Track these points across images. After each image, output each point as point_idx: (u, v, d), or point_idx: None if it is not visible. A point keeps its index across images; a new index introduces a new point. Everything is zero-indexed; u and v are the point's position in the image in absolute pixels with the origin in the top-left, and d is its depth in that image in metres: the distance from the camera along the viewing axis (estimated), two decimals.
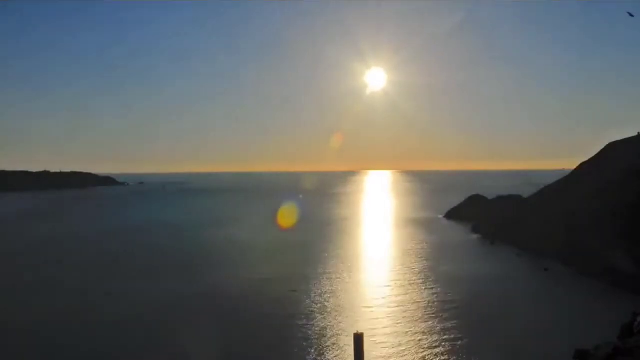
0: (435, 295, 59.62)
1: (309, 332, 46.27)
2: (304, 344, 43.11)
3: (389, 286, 65.01)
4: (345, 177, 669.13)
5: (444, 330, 46.50)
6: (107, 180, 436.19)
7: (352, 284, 65.76)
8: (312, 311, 53.16)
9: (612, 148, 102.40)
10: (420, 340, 44.13)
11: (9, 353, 41.78)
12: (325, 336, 44.83)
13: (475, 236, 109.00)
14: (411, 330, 46.69)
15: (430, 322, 49.09)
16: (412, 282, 67.49)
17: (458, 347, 42.27)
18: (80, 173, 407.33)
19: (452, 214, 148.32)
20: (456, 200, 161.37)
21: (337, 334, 45.21)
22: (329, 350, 41.31)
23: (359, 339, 7.41)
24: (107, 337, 45.32)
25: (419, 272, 73.63)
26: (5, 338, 44.99)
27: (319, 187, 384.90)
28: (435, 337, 44.71)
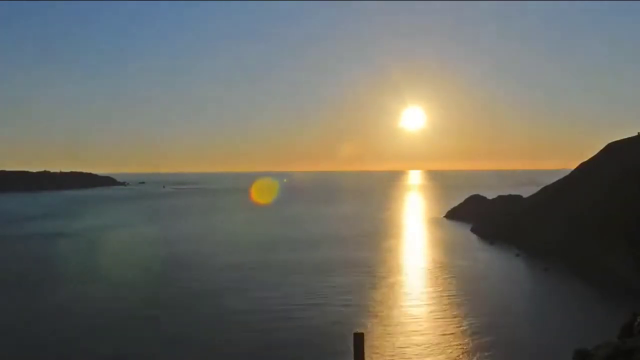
0: (433, 296, 59.62)
1: (307, 331, 46.23)
2: (303, 343, 43.07)
3: (387, 286, 64.93)
4: (388, 177, 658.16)
5: (443, 330, 46.50)
6: (107, 180, 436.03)
7: (350, 284, 65.65)
8: (310, 309, 53.16)
9: (612, 148, 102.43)
10: (419, 339, 44.12)
11: None
12: (324, 336, 44.75)
13: (474, 236, 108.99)
14: (410, 330, 46.68)
15: (429, 322, 49.10)
16: (410, 282, 67.49)
17: (457, 346, 42.27)
18: (81, 173, 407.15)
19: (452, 214, 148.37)
20: (457, 200, 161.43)
21: (337, 334, 45.07)
22: (329, 350, 41.22)
23: (359, 339, 7.36)
24: None
25: (417, 273, 73.65)
26: None
27: (324, 185, 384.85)
28: (434, 337, 44.71)
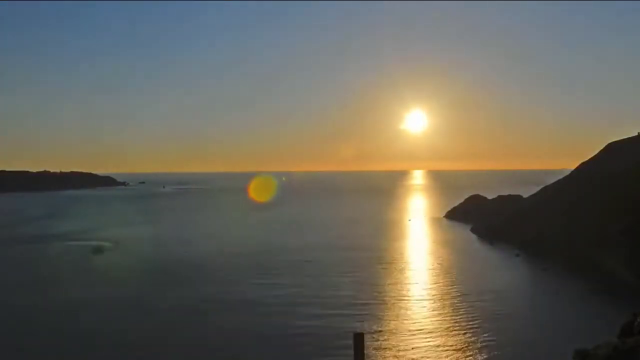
0: (433, 296, 59.66)
1: (307, 331, 46.23)
2: (302, 343, 43.07)
3: (386, 287, 64.90)
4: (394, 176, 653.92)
5: (443, 330, 46.53)
6: (107, 180, 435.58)
7: (349, 285, 65.66)
8: (309, 309, 53.18)
9: (612, 148, 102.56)
10: (419, 339, 44.13)
11: None
12: (324, 335, 44.74)
13: (474, 236, 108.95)
14: (410, 330, 46.70)
15: (429, 322, 49.11)
16: (409, 282, 67.51)
17: (457, 346, 42.29)
18: (81, 173, 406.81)
19: (452, 214, 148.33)
20: (457, 199, 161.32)
21: (337, 334, 45.06)
22: (328, 350, 41.21)
23: (359, 339, 7.37)
24: None
25: (416, 274, 73.67)
26: None
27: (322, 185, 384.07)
28: (434, 337, 44.73)
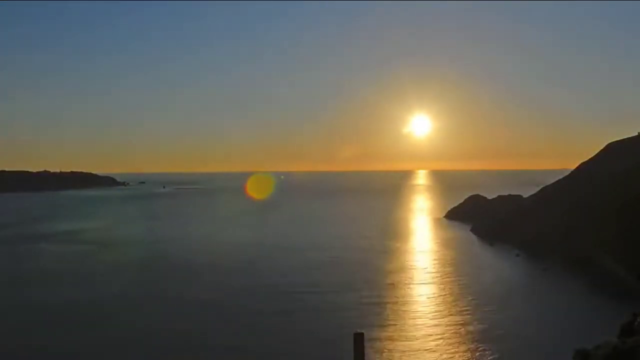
0: (433, 296, 59.66)
1: (307, 330, 46.21)
2: (302, 342, 43.06)
3: (386, 287, 64.91)
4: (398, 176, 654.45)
5: (443, 330, 46.52)
6: (107, 180, 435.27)
7: (350, 283, 65.63)
8: (309, 309, 53.15)
9: (612, 148, 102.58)
10: (419, 339, 44.13)
11: None
12: (324, 335, 44.71)
13: (474, 237, 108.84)
14: (411, 330, 46.71)
15: (429, 322, 49.11)
16: (410, 283, 67.49)
17: (457, 345, 42.28)
18: (81, 173, 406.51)
19: (452, 214, 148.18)
20: (457, 200, 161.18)
21: (337, 333, 45.02)
22: (328, 350, 41.18)
23: (359, 338, 7.36)
24: None
25: (416, 273, 73.63)
26: None
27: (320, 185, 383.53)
28: (434, 336, 44.73)
